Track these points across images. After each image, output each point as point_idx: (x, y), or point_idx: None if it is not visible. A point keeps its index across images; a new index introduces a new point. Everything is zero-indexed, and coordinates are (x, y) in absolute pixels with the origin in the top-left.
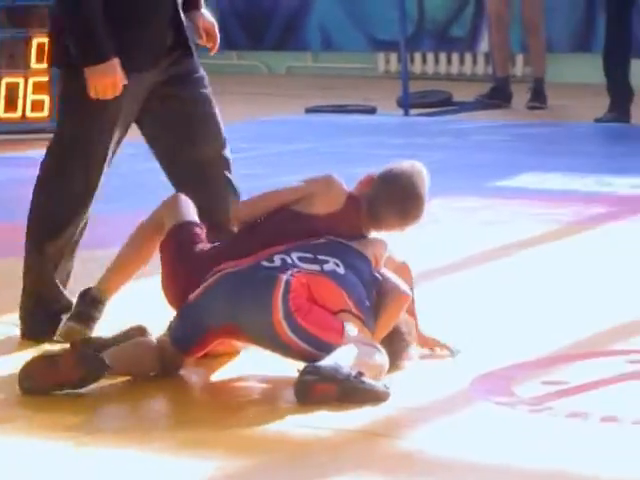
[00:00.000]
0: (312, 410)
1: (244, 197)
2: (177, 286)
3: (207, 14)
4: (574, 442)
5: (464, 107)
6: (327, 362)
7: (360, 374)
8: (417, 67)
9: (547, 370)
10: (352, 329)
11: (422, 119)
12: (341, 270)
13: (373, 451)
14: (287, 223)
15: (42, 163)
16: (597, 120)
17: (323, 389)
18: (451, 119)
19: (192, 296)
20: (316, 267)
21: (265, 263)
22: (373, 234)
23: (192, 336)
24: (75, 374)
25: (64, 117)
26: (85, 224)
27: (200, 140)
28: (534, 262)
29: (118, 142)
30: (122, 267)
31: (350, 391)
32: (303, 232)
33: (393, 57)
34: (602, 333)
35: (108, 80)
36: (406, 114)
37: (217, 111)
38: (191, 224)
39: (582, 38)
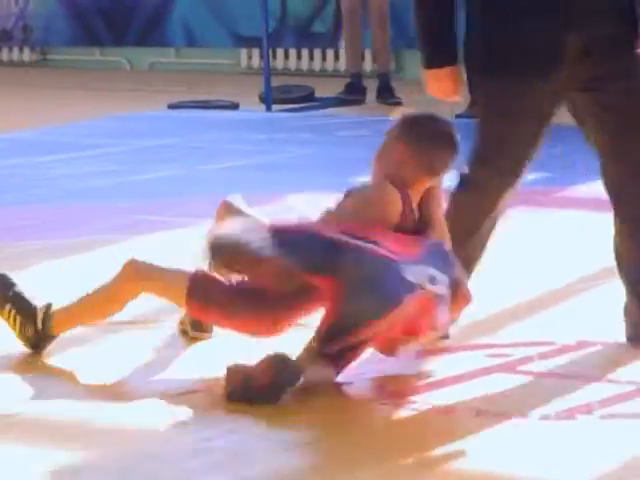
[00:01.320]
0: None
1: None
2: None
3: None
4: (439, 435)
5: (326, 103)
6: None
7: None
8: (279, 63)
9: (411, 364)
10: None
11: (284, 115)
12: (443, 290)
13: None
14: None
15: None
16: (458, 116)
17: None
18: (313, 115)
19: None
20: (434, 289)
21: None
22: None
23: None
24: None
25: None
26: None
27: None
28: None
29: None
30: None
31: None
32: None
33: (255, 53)
34: (466, 327)
35: (442, 85)
36: (268, 110)
37: None
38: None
39: None
